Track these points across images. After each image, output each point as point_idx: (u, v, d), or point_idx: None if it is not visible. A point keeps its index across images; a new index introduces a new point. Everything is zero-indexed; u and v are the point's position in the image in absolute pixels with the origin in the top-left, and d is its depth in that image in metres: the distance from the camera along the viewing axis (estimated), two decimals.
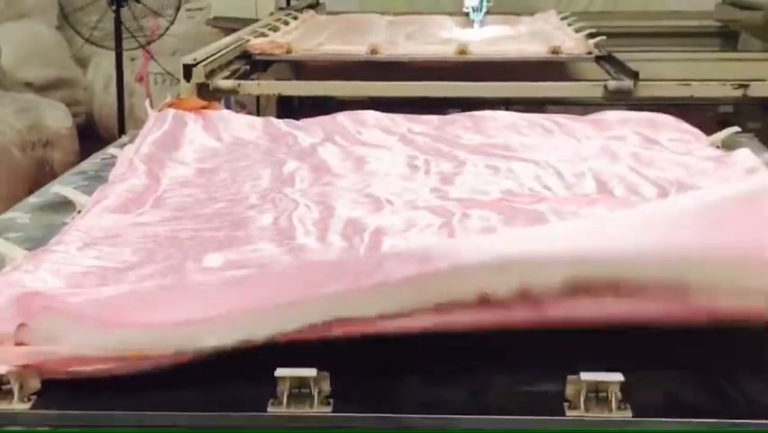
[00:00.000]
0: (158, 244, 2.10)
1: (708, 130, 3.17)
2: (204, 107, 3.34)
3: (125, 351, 1.48)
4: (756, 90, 4.21)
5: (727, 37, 6.65)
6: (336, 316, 1.50)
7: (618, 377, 1.46)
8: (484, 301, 1.49)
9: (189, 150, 2.96)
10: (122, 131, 6.60)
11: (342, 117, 3.32)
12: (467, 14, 5.52)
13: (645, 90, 4.12)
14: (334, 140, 3.12)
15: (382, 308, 1.50)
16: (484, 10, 5.44)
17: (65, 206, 2.45)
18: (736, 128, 3.13)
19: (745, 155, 2.76)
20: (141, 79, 7.18)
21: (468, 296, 1.49)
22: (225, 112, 3.40)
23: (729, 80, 4.24)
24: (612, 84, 4.12)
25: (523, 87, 4.28)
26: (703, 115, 4.83)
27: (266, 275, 1.71)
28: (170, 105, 3.27)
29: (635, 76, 4.14)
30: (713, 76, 5.50)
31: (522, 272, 1.49)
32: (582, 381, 1.46)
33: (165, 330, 1.50)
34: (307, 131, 3.22)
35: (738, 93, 4.12)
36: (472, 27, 5.43)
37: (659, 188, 2.56)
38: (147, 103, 3.40)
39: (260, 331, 1.49)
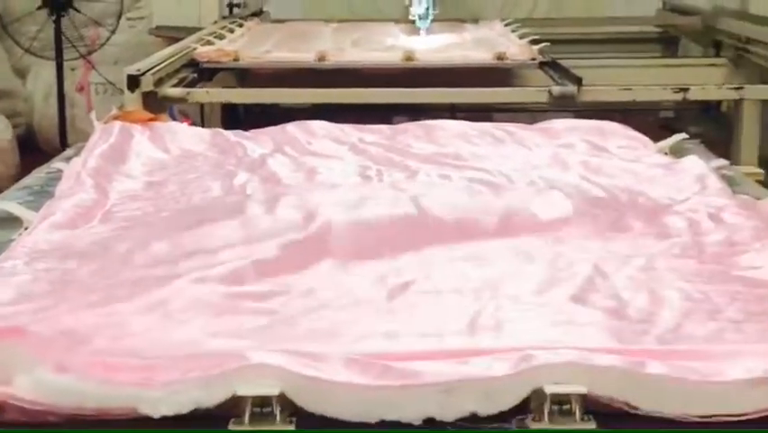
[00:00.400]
0: (107, 258, 2.06)
1: (651, 135, 3.22)
2: (151, 119, 3.29)
3: (81, 405, 1.44)
4: (696, 94, 4.30)
5: (668, 42, 6.74)
6: None
7: (581, 389, 1.46)
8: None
9: (137, 163, 2.92)
10: (63, 142, 6.51)
11: (292, 128, 3.31)
12: (413, 22, 5.52)
13: (589, 95, 4.20)
14: (284, 150, 3.10)
15: None
16: (430, 18, 5.45)
17: (10, 222, 2.39)
18: (684, 135, 3.17)
19: (692, 162, 2.79)
20: (81, 89, 7.07)
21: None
22: (173, 124, 3.37)
23: (670, 85, 4.31)
24: (556, 89, 4.17)
25: (468, 92, 4.33)
26: (645, 119, 4.91)
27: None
28: (117, 118, 3.23)
29: (578, 81, 4.21)
30: (654, 81, 5.62)
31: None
32: (546, 393, 1.46)
33: (124, 390, 1.46)
34: (257, 141, 3.20)
35: (678, 96, 4.21)
36: (418, 34, 5.44)
37: (610, 194, 2.59)
38: (92, 115, 3.35)
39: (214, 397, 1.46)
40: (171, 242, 2.08)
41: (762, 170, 3.48)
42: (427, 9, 5.40)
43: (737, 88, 4.07)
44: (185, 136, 3.23)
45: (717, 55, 5.79)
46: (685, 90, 4.07)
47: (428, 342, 1.64)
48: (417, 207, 2.22)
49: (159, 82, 4.13)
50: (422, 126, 3.33)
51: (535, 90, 4.33)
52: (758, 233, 2.18)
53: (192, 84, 4.45)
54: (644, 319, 1.74)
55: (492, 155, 3.00)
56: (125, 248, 2.08)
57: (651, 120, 5.44)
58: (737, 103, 4.28)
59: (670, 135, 3.21)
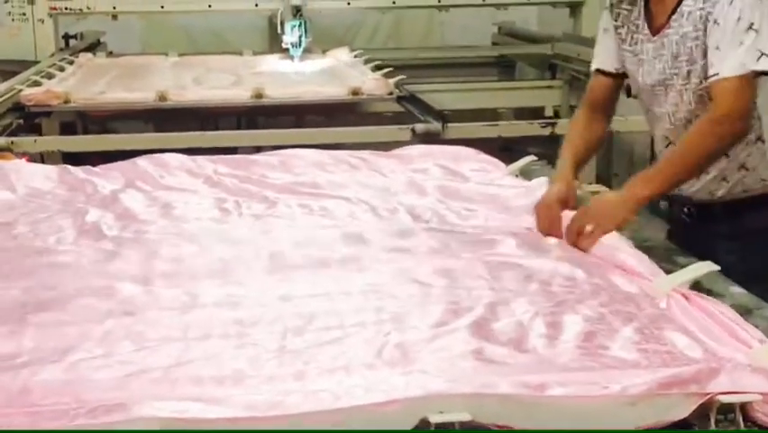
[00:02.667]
0: None
1: (493, 156, 3.30)
2: None
3: None
4: (564, 128, 4.16)
5: (505, 66, 6.92)
6: None
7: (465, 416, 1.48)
8: None
9: None
10: None
11: (143, 161, 3.22)
12: (287, 50, 5.46)
13: (454, 132, 4.06)
14: (137, 185, 3.02)
15: None
16: (303, 45, 5.40)
17: None
18: (532, 157, 3.26)
19: (541, 183, 2.86)
20: None
21: None
22: (19, 162, 3.24)
23: (537, 120, 4.28)
24: (420, 127, 4.04)
25: (327, 133, 4.17)
26: (487, 141, 4.99)
27: None
28: None
29: (443, 118, 4.08)
30: (495, 104, 5.75)
31: None
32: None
33: None
34: (107, 177, 3.10)
35: (546, 131, 4.10)
36: (261, 66, 5.39)
37: (469, 217, 2.65)
38: None
39: None
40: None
41: (607, 188, 3.59)
42: (300, 37, 5.36)
43: None
44: (31, 174, 3.11)
45: (553, 77, 5.98)
46: (553, 125, 4.04)
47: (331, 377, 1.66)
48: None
49: None
50: (276, 155, 3.31)
51: (398, 129, 4.15)
52: None
53: (21, 129, 4.15)
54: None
55: (349, 183, 3.01)
56: None
57: (492, 141, 5.55)
58: None
59: (511, 156, 3.31)
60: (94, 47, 6.21)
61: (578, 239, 2.35)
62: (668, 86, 2.56)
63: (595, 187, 3.96)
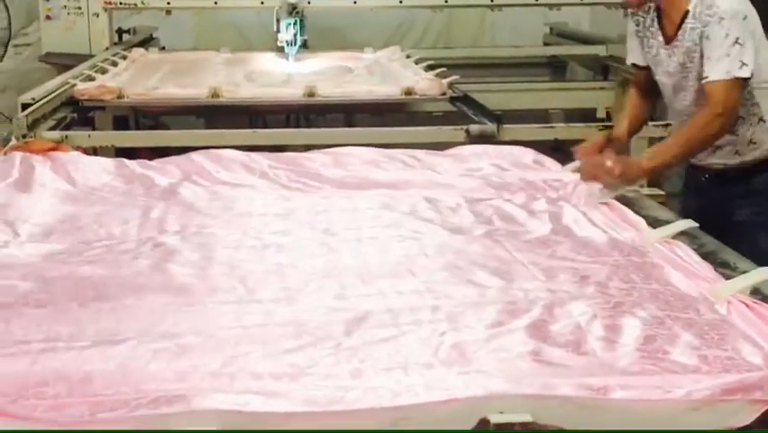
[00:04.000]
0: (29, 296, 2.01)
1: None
2: (51, 149, 3.20)
3: None
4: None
5: (556, 67, 6.88)
6: None
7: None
8: None
9: (44, 195, 2.83)
10: None
11: (198, 156, 3.23)
12: (282, 49, 5.30)
13: (508, 134, 3.93)
14: (193, 179, 3.04)
15: None
16: (298, 44, 5.33)
17: None
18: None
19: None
20: None
21: None
22: (75, 154, 3.26)
23: (593, 123, 4.16)
24: (474, 128, 3.93)
25: (381, 132, 4.05)
26: (540, 141, 4.94)
27: None
28: (17, 148, 3.13)
29: (497, 120, 3.98)
30: (545, 104, 5.71)
31: None
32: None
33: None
34: (163, 171, 3.13)
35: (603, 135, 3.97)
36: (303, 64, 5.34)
37: (533, 216, 2.67)
38: None
39: None
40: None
41: (663, 192, 3.54)
42: (295, 35, 5.29)
43: (665, 125, 3.92)
44: (88, 167, 3.14)
45: (605, 78, 5.93)
46: (610, 128, 3.90)
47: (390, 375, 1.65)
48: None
49: (35, 123, 3.74)
50: (330, 153, 3.31)
51: (452, 130, 3.99)
52: None
53: (74, 122, 4.12)
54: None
55: (408, 179, 3.03)
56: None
57: (543, 141, 5.50)
58: None
59: (561, 156, 3.32)
60: (147, 42, 6.24)
61: (602, 177, 2.86)
62: (678, 86, 3.08)
63: (648, 190, 3.93)
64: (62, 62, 5.41)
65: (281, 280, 2.14)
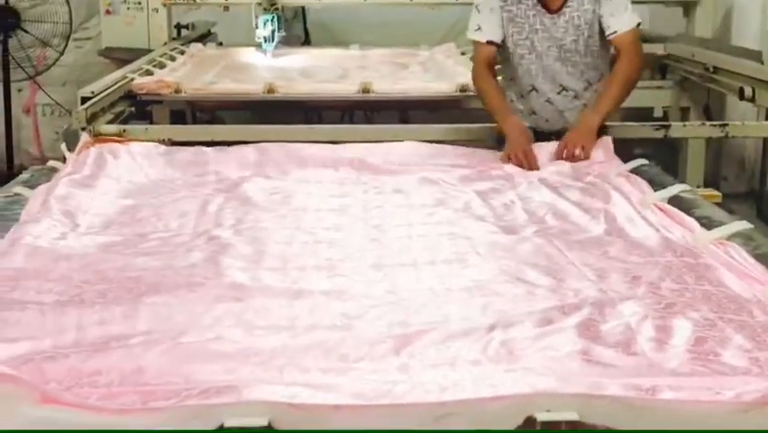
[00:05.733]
0: (84, 285, 2.05)
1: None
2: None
3: None
4: (677, 132, 3.89)
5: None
6: None
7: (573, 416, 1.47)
8: None
9: (113, 187, 2.89)
10: (10, 164, 6.41)
11: (273, 147, 3.34)
12: (260, 45, 5.36)
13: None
14: (263, 172, 3.10)
15: None
16: (276, 40, 5.34)
17: None
18: (644, 160, 3.23)
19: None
20: (28, 111, 6.98)
21: None
22: (150, 144, 3.34)
23: (650, 123, 4.02)
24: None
25: (437, 129, 3.92)
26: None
27: None
28: (91, 144, 3.22)
29: None
30: None
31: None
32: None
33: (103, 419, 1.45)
34: (237, 160, 3.22)
35: (660, 134, 3.77)
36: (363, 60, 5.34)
37: (588, 213, 2.67)
38: (63, 147, 3.36)
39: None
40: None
41: (719, 193, 3.51)
42: (273, 31, 5.31)
43: (722, 125, 3.87)
44: (161, 157, 3.23)
45: (664, 78, 5.87)
46: (667, 127, 3.87)
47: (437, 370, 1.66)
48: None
49: (93, 117, 3.74)
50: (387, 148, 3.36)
51: None
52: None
53: (132, 116, 4.22)
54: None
55: (466, 176, 3.10)
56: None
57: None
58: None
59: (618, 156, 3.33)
60: (204, 37, 6.30)
61: (573, 159, 3.19)
62: (561, 49, 3.47)
63: (703, 190, 3.89)
64: (121, 57, 5.48)
65: (332, 275, 2.15)
